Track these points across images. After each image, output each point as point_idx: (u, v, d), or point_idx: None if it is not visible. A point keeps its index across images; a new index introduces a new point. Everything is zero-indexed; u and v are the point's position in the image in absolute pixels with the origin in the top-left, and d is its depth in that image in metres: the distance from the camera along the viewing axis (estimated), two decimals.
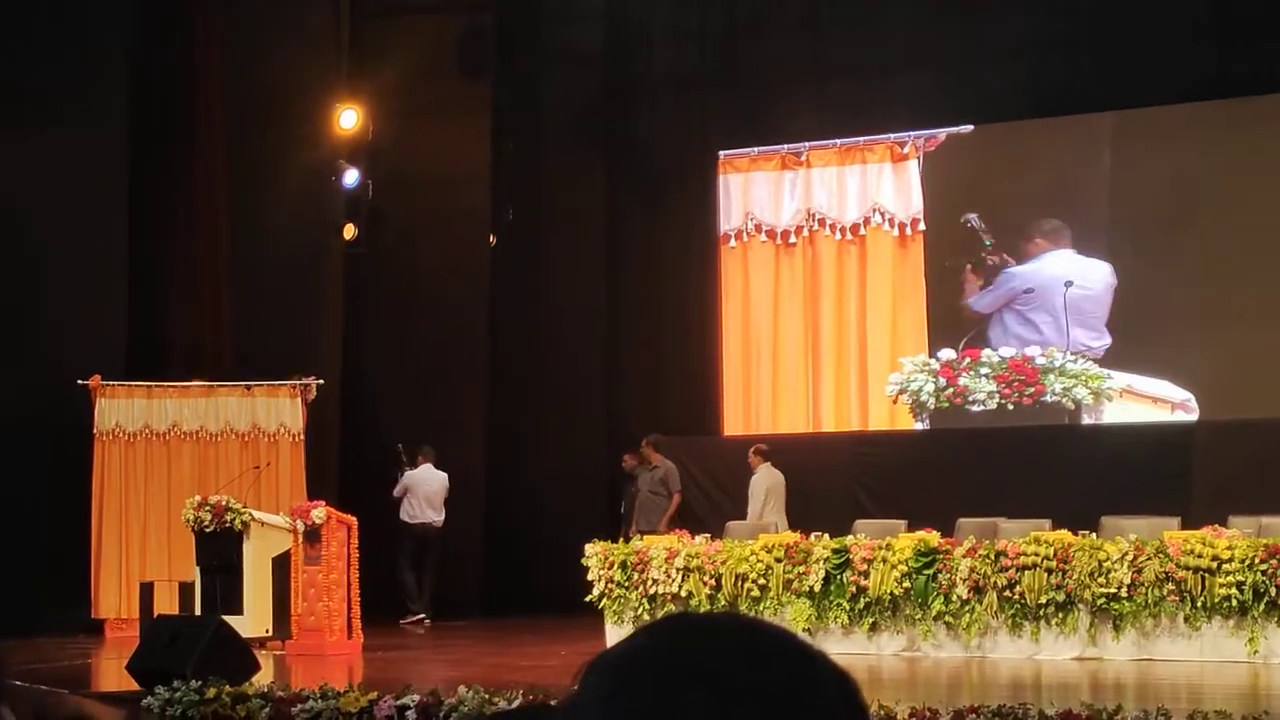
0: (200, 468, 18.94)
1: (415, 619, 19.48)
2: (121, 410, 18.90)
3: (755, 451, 18.70)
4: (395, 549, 19.37)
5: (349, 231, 21.22)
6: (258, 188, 20.19)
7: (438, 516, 19.67)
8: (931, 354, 20.05)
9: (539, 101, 22.47)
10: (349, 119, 20.96)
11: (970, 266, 20.09)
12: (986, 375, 19.49)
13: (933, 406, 19.71)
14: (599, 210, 22.08)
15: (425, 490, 19.64)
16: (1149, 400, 19.08)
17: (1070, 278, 19.60)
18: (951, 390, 19.57)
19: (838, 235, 21.07)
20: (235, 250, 20.27)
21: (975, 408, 19.47)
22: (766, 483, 18.42)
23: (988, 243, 19.97)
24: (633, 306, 21.91)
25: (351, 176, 21.15)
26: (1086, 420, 19.13)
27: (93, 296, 19.21)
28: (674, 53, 22.02)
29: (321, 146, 20.87)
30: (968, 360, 19.62)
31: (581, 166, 22.02)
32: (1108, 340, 19.42)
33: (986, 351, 19.52)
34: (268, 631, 16.03)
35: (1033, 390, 19.24)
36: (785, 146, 21.25)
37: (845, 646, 15.20)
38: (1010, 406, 19.33)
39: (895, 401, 20.01)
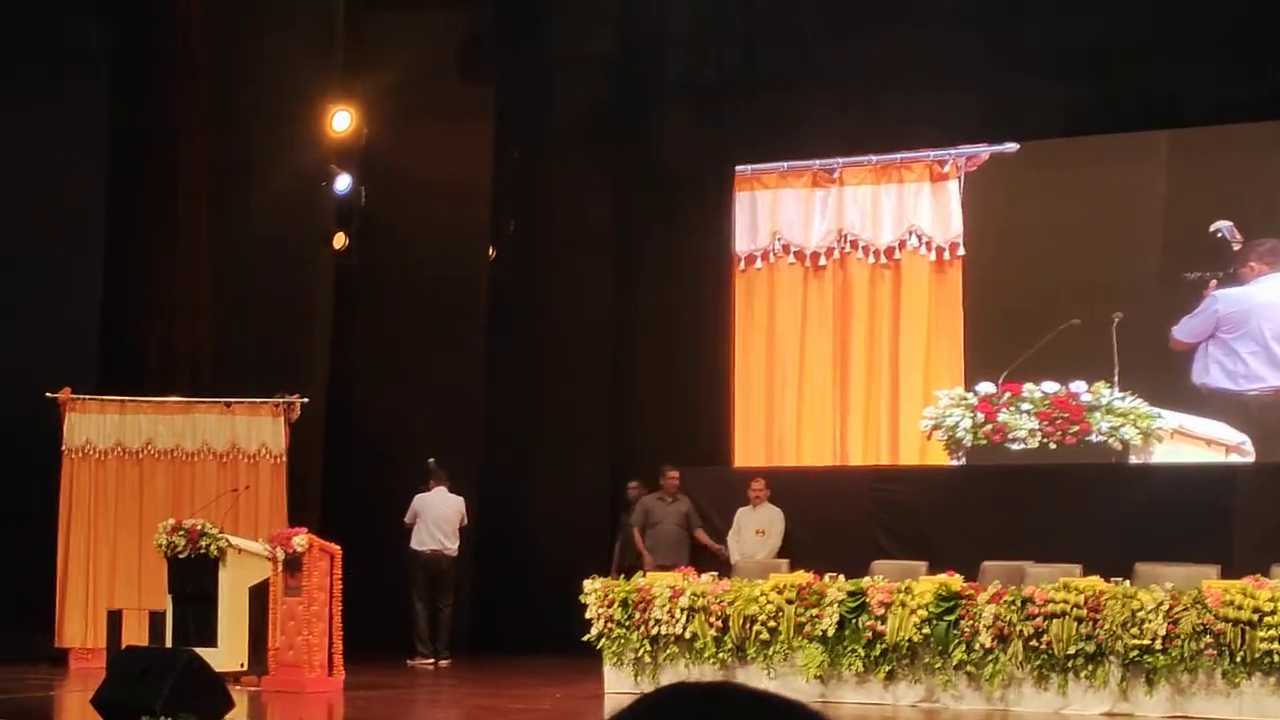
0: (175, 489, 18.87)
1: (425, 661, 19.14)
2: (93, 426, 18.86)
3: (765, 485, 18.79)
4: (407, 581, 19.25)
5: (339, 241, 21.25)
6: (243, 192, 20.20)
7: (451, 545, 19.35)
8: (969, 387, 19.77)
9: (545, 106, 22.40)
10: (342, 120, 20.97)
11: (1217, 280, 19.40)
12: (1028, 411, 19.11)
13: (969, 444, 19.32)
14: (607, 223, 22.06)
15: (435, 515, 19.35)
16: (1202, 442, 18.80)
17: None
18: (990, 426, 19.22)
19: (871, 258, 20.93)
20: (218, 258, 20.21)
21: (1015, 446, 19.12)
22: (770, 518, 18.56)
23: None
24: (641, 326, 21.83)
25: (344, 182, 21.20)
26: (1134, 461, 18.88)
27: (64, 304, 19.24)
28: (691, 58, 21.90)
29: (312, 149, 20.89)
30: (1008, 395, 19.29)
31: (589, 177, 21.97)
32: None
33: (1028, 386, 19.23)
34: (243, 666, 15.96)
35: (1077, 429, 18.87)
36: (816, 162, 21.12)
37: (860, 696, 15.18)
38: (1053, 445, 18.98)
39: (929, 437, 19.67)
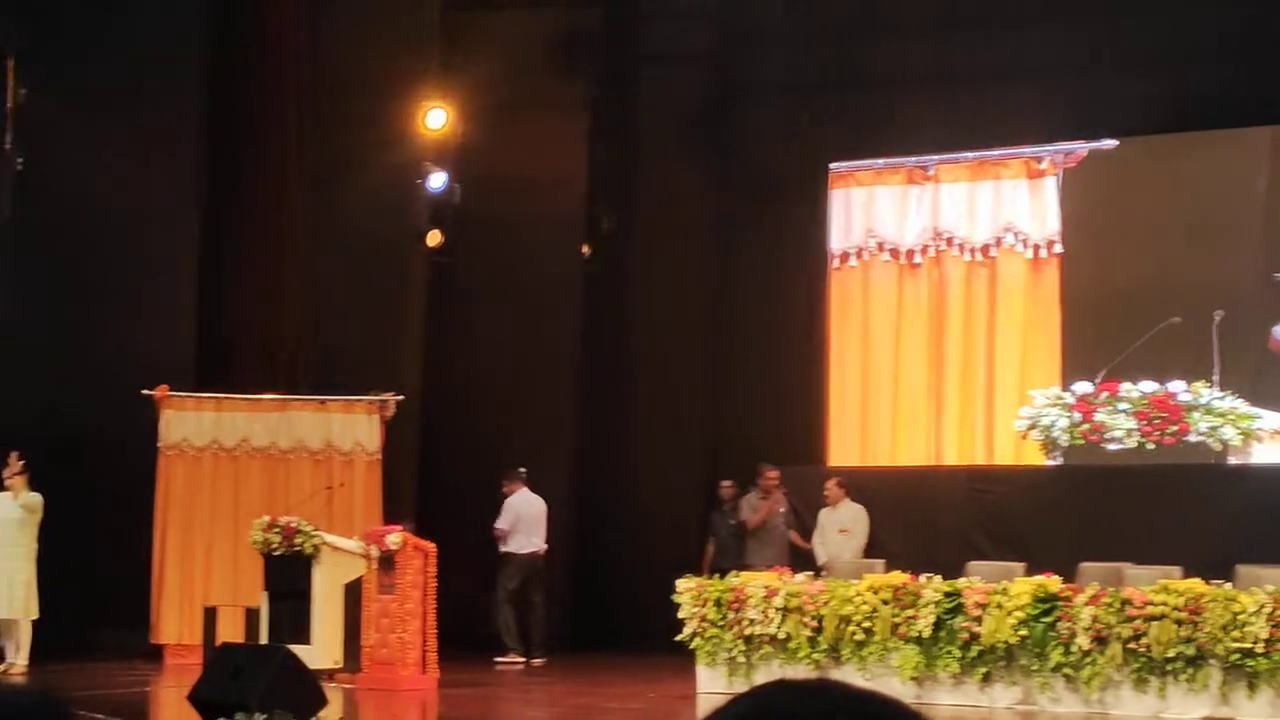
0: (270, 486, 19.02)
1: (516, 660, 19.19)
2: (188, 423, 19.06)
3: (838, 484, 18.74)
4: (497, 581, 19.34)
5: (434, 238, 21.30)
6: (338, 189, 20.32)
7: (543, 544, 19.49)
8: (1065, 386, 19.56)
9: (640, 104, 22.49)
10: (437, 118, 21.01)
11: None
12: (1125, 411, 18.85)
13: (1066, 444, 19.05)
14: (701, 221, 22.07)
15: (531, 516, 19.48)
16: None
17: None
18: (1087, 427, 18.95)
19: (967, 256, 20.94)
20: (314, 255, 20.41)
21: (1112, 446, 18.85)
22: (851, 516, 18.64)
23: None
24: (736, 324, 21.82)
25: (438, 179, 21.23)
26: (1233, 462, 18.72)
27: (161, 302, 19.48)
28: (786, 56, 21.80)
29: (407, 146, 20.95)
30: (1105, 394, 19.01)
31: (684, 174, 21.99)
32: None
33: (1125, 386, 19.04)
34: (337, 663, 16.12)
35: (1176, 429, 18.61)
36: (911, 159, 21.11)
37: (955, 698, 15.22)
38: (1151, 446, 18.75)
39: (1025, 437, 19.46)
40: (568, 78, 21.74)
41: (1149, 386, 18.98)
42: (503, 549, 19.41)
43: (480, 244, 21.60)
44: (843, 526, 18.67)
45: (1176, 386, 18.87)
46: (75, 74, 19.52)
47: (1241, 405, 18.65)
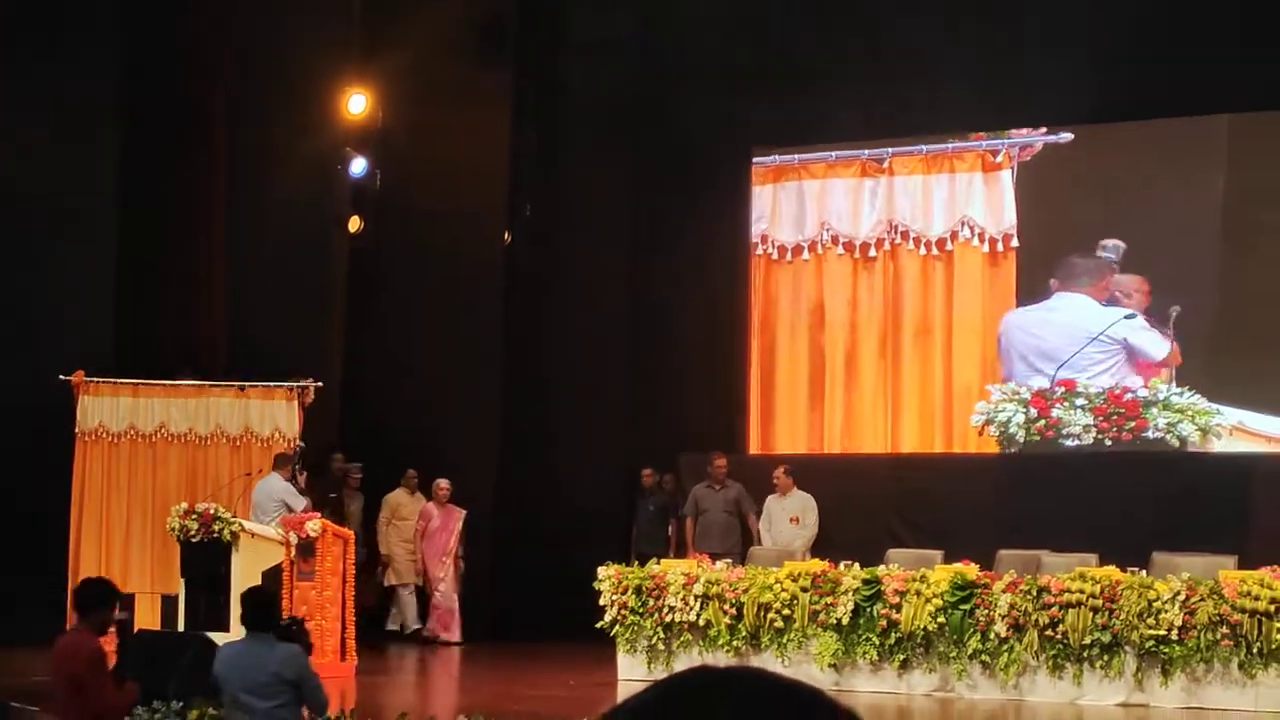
0: (188, 473, 19.11)
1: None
2: (106, 409, 19.05)
3: (786, 472, 19.10)
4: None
5: (354, 224, 21.45)
6: (258, 175, 20.29)
7: None
8: (1022, 382, 19.89)
9: (564, 90, 22.40)
10: (357, 103, 21.12)
11: None
12: (1083, 407, 19.25)
13: (1022, 440, 19.46)
14: (625, 209, 22.01)
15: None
16: (1262, 438, 18.85)
17: None
18: (1044, 422, 19.36)
19: (922, 250, 20.94)
20: (232, 242, 20.39)
21: (1070, 442, 19.19)
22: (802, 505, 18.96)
23: None
24: (659, 313, 21.75)
25: (358, 165, 21.39)
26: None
27: (79, 288, 19.38)
28: (713, 42, 21.54)
29: (327, 133, 21.00)
30: (1062, 390, 19.39)
31: (607, 162, 21.88)
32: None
33: (1083, 382, 19.25)
34: None
35: (1133, 425, 18.98)
36: (865, 152, 21.11)
37: (874, 685, 15.54)
38: (1108, 442, 19.04)
39: (981, 432, 19.84)
40: (490, 63, 21.68)
41: (1106, 382, 19.19)
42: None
43: (401, 231, 21.72)
44: (793, 515, 18.94)
45: (1134, 383, 19.09)
46: None
47: (1200, 401, 18.87)
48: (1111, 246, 19.67)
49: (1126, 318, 19.42)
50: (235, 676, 9.22)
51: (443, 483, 20.32)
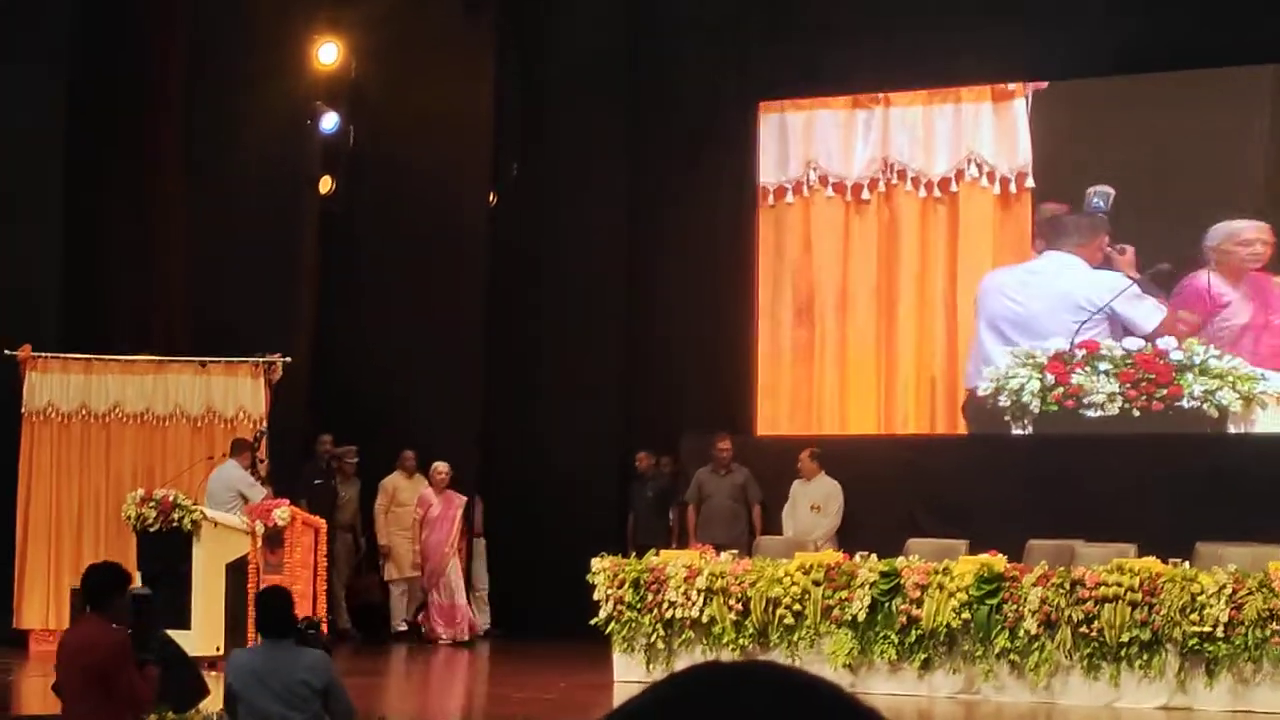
0: (145, 456, 18.89)
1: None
2: (55, 386, 18.89)
3: (811, 455, 18.80)
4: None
5: (325, 185, 21.23)
6: (219, 132, 20.08)
7: None
8: (987, 355, 19.44)
9: (551, 39, 22.24)
10: (328, 53, 20.98)
11: None
12: (1107, 372, 18.66)
13: (1037, 410, 18.97)
14: (619, 167, 21.79)
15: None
16: None
17: None
18: (1062, 390, 18.82)
19: (922, 191, 20.18)
20: (192, 205, 20.15)
21: (1091, 412, 18.69)
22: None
23: None
24: (655, 278, 21.53)
25: (330, 121, 21.20)
26: (1234, 431, 18.36)
27: (24, 254, 19.17)
28: None
29: (295, 85, 20.89)
30: (1083, 353, 18.83)
31: (599, 116, 21.68)
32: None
33: (1107, 343, 18.72)
34: (219, 650, 15.86)
35: (1165, 392, 18.44)
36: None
37: (892, 686, 15.37)
38: (1136, 412, 18.55)
39: (990, 403, 19.36)
40: (473, 9, 21.58)
41: (1135, 344, 18.61)
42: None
43: (376, 192, 21.52)
44: (815, 503, 18.73)
45: (1167, 343, 18.51)
46: None
47: (1242, 365, 18.39)
48: (1100, 193, 19.22)
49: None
50: (258, 687, 9.12)
51: (441, 466, 19.90)
